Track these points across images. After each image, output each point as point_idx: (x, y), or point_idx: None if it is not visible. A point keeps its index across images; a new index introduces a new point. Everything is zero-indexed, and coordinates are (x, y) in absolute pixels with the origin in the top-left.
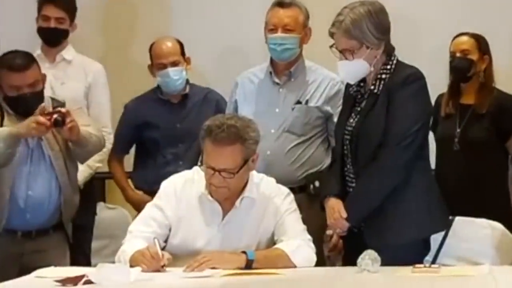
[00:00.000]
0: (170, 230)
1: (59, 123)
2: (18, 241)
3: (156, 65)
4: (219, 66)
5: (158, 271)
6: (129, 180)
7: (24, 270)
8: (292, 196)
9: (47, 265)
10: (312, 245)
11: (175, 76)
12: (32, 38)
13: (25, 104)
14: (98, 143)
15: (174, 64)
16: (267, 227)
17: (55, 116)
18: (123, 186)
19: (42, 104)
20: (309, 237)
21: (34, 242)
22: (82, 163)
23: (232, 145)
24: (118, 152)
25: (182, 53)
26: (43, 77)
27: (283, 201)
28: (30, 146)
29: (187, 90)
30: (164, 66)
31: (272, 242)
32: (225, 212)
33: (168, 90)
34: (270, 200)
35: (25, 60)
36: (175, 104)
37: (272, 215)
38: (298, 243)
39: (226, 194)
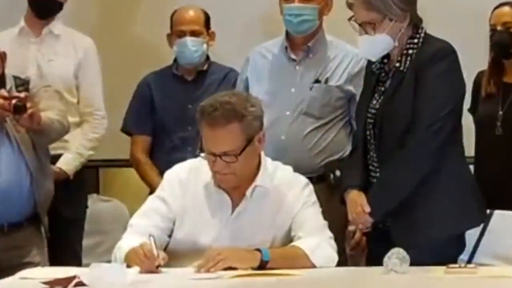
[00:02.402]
0: (174, 224)
1: (19, 109)
2: None
3: (175, 32)
4: (229, 42)
5: (152, 272)
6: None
7: (0, 269)
8: (311, 186)
9: (24, 263)
10: (334, 243)
11: (193, 47)
12: (11, 7)
13: None
14: (61, 129)
15: (195, 33)
16: (282, 221)
17: (13, 101)
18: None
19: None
20: (330, 234)
21: (7, 238)
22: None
23: (229, 124)
24: (135, 134)
25: (207, 25)
26: (2, 57)
27: (301, 192)
28: None
29: (205, 67)
30: (183, 34)
31: (288, 238)
32: (235, 204)
33: (184, 62)
34: (287, 190)
35: None
36: (189, 81)
37: (288, 207)
38: (318, 241)
39: (234, 182)
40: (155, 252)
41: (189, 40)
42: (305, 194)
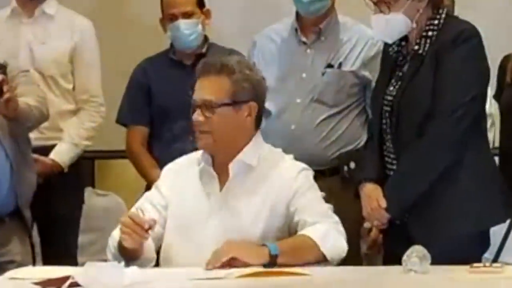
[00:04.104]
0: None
1: None
2: None
3: (166, 16)
4: (239, 22)
5: (142, 237)
6: None
7: None
8: (307, 172)
9: (7, 261)
10: (342, 229)
11: (187, 30)
12: None
13: None
14: (40, 117)
15: (187, 15)
16: (275, 204)
17: None
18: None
19: None
20: (336, 219)
21: None
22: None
23: (218, 75)
24: (131, 124)
25: (200, 4)
26: None
27: (296, 177)
28: None
29: (204, 49)
30: (175, 18)
31: (285, 230)
32: (223, 181)
33: (180, 47)
34: (278, 174)
35: None
36: (188, 66)
37: (282, 191)
38: (326, 228)
39: (211, 144)
40: (141, 214)
41: (181, 23)
42: (301, 178)
